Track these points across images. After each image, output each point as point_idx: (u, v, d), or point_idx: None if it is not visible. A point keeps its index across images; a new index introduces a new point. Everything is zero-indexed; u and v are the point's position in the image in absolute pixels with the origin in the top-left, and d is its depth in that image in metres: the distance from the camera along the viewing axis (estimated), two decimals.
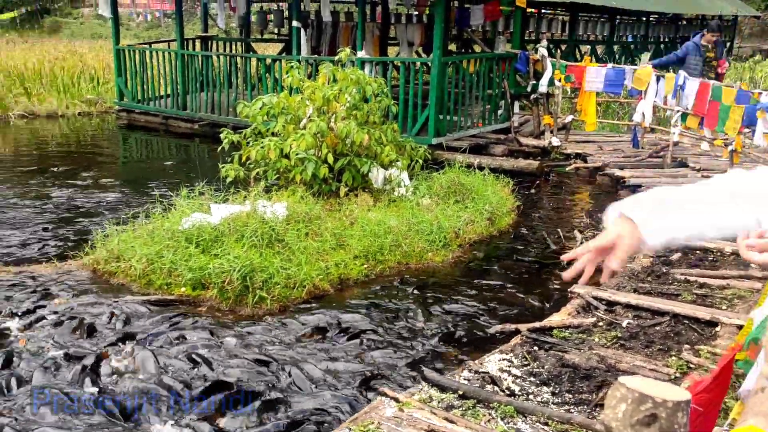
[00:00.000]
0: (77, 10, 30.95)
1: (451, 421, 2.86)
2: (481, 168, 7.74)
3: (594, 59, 12.95)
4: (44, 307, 4.35)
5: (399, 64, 9.67)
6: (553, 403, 3.13)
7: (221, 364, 3.64)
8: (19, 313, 4.22)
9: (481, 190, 6.84)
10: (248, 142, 6.75)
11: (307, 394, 3.40)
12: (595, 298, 4.37)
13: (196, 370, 3.57)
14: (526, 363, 3.53)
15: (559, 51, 13.25)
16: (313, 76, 8.71)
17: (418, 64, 9.44)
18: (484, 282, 5.17)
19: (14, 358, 3.66)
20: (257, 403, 3.25)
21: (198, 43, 13.57)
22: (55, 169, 8.86)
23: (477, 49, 12.27)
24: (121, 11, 13.36)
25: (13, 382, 3.41)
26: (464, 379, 3.33)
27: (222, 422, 3.13)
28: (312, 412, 3.22)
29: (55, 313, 4.25)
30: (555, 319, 4.15)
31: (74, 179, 8.22)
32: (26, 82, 13.85)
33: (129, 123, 12.55)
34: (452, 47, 13.77)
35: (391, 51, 14.28)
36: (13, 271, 4.94)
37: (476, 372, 3.41)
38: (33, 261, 5.30)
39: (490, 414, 2.96)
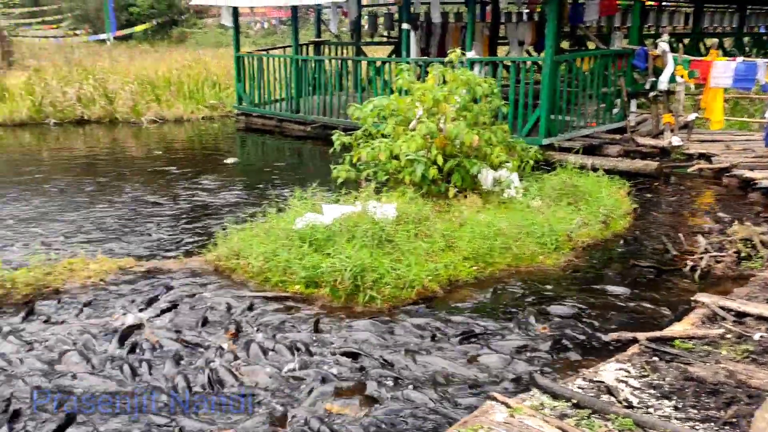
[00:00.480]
0: (202, 20, 32.83)
1: (565, 431, 2.78)
2: (594, 169, 7.46)
3: (722, 53, 12.12)
4: (170, 299, 4.65)
5: (509, 64, 9.51)
6: (675, 418, 2.96)
7: (325, 359, 3.75)
8: (145, 305, 4.54)
9: (595, 192, 6.60)
10: (359, 144, 6.89)
11: (416, 393, 3.42)
12: (723, 308, 4.09)
13: (297, 361, 3.70)
14: (644, 374, 3.37)
15: (681, 45, 12.53)
16: (422, 77, 8.75)
17: (529, 63, 9.24)
18: (598, 287, 4.98)
19: (140, 346, 3.95)
20: (360, 398, 3.34)
21: (311, 48, 14.01)
22: (180, 169, 9.46)
23: (591, 46, 11.85)
24: (241, 20, 14.04)
25: (144, 366, 3.68)
26: (578, 388, 3.23)
27: (335, 408, 3.24)
28: (420, 412, 3.24)
29: (176, 305, 4.53)
30: (677, 329, 3.92)
31: (198, 179, 8.73)
32: (157, 89, 14.87)
33: (247, 126, 13.17)
34: (565, 45, 13.36)
35: (501, 51, 14.07)
36: (146, 265, 5.32)
37: (591, 381, 3.30)
38: (162, 257, 5.68)
39: (606, 426, 2.85)
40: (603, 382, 3.26)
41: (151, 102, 14.43)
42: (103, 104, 13.92)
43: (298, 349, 3.87)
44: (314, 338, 4.05)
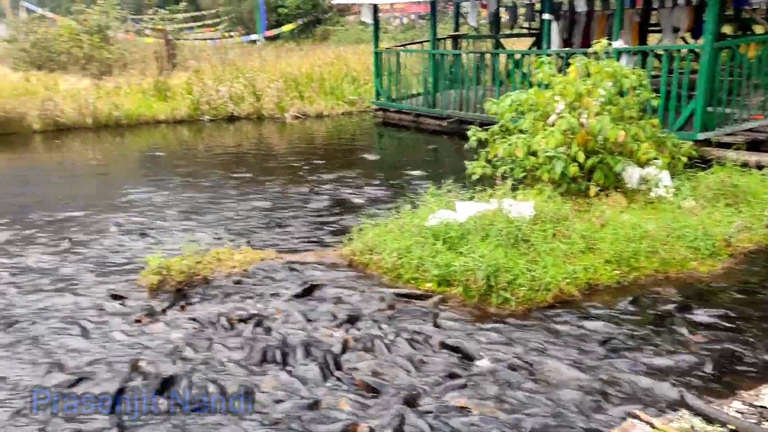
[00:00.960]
0: (344, 18, 33.83)
1: None
2: (760, 167, 6.76)
3: None
4: (305, 289, 4.80)
5: (661, 53, 8.85)
6: None
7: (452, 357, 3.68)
8: (286, 294, 4.72)
9: (759, 193, 5.97)
10: (495, 140, 6.73)
11: (547, 400, 3.26)
12: None
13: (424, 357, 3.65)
14: None
15: None
16: (564, 70, 8.37)
17: (684, 51, 8.52)
18: (762, 299, 4.50)
19: (273, 332, 4.11)
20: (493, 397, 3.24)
21: (449, 42, 13.93)
22: (319, 164, 9.79)
23: (759, 30, 10.74)
24: (381, 16, 14.24)
25: (278, 354, 3.83)
26: (735, 411, 2.92)
27: (462, 402, 3.18)
28: (551, 420, 3.08)
29: (308, 296, 4.67)
30: None
31: (336, 173, 8.98)
32: (300, 86, 15.52)
33: (384, 121, 13.37)
34: (726, 29, 12.23)
35: (652, 39, 13.15)
36: (285, 257, 5.54)
37: (751, 405, 2.97)
38: (300, 249, 5.89)
39: None
40: (765, 407, 2.92)
41: (294, 98, 15.09)
42: (251, 101, 14.76)
43: (420, 344, 3.84)
44: (441, 335, 4.00)
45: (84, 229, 6.70)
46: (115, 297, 4.87)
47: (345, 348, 3.88)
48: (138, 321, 4.42)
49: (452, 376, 3.54)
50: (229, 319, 4.38)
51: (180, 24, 26.96)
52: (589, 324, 4.15)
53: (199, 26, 31.38)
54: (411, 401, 3.29)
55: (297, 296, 4.74)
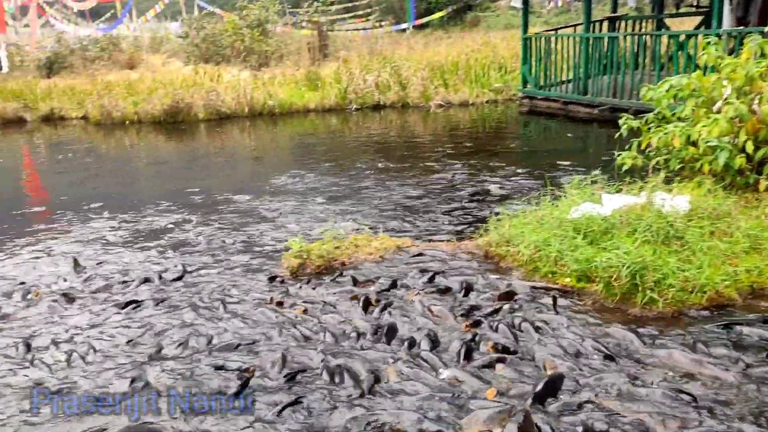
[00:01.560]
0: (494, 3, 33.25)
1: None
2: None
3: None
4: (434, 277, 4.76)
5: None
6: None
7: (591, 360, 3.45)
8: (419, 283, 4.71)
9: None
10: (649, 128, 6.24)
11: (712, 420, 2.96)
12: None
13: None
14: None
15: None
16: (735, 51, 7.58)
17: None
18: None
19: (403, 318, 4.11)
20: None
21: (605, 25, 13.18)
22: (463, 153, 9.69)
23: None
24: (533, 0, 13.76)
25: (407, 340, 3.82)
26: None
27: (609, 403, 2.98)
28: None
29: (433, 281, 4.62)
30: None
31: (479, 163, 8.85)
32: (445, 74, 15.47)
33: (530, 109, 12.96)
34: None
35: None
36: (421, 246, 5.54)
37: None
38: (437, 239, 5.86)
39: None
40: None
41: (439, 87, 15.07)
42: (396, 90, 14.95)
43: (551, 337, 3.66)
44: (582, 334, 3.78)
45: (237, 211, 7.15)
46: (272, 279, 5.10)
47: (474, 338, 3.80)
48: (279, 303, 4.62)
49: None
50: (363, 301, 4.44)
51: (334, 15, 27.92)
52: (751, 334, 3.72)
53: (352, 17, 32.31)
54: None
55: (429, 282, 4.72)
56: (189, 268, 5.41)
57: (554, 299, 4.29)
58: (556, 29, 14.30)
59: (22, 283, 5.23)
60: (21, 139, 14.07)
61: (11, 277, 5.41)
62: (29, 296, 4.95)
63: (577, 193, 5.51)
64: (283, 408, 3.20)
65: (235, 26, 20.47)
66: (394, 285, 4.73)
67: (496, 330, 3.90)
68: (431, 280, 4.76)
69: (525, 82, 13.18)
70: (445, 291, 4.56)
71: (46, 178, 10.36)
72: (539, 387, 3.18)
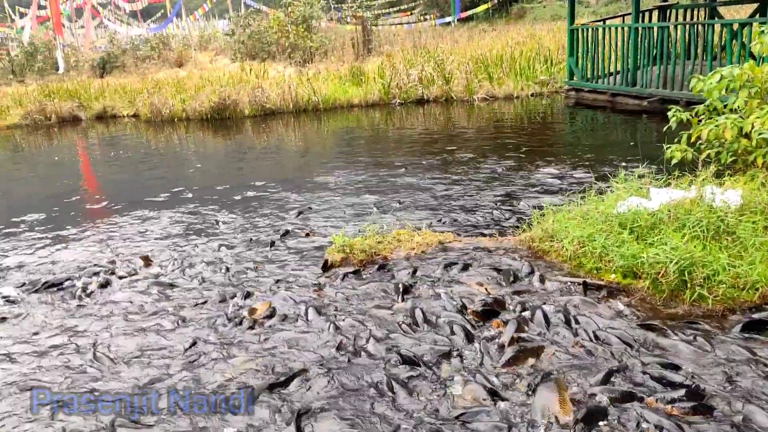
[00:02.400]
0: None
1: None
2: None
3: None
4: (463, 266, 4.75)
5: None
6: None
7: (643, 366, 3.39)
8: (457, 274, 4.70)
9: None
10: (700, 120, 6.07)
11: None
12: None
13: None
14: None
15: None
16: None
17: None
18: None
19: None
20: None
21: (655, 14, 12.84)
22: (507, 147, 9.60)
23: None
24: None
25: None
26: None
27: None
28: None
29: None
30: None
31: (525, 157, 8.75)
32: (489, 67, 15.32)
33: (576, 102, 12.74)
34: None
35: None
36: (463, 241, 5.53)
37: None
38: (480, 233, 5.84)
39: None
40: None
41: (483, 80, 14.93)
42: (440, 84, 14.88)
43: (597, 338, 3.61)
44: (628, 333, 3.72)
45: (281, 206, 7.26)
46: (325, 267, 5.18)
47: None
48: (318, 289, 4.69)
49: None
50: (399, 287, 4.46)
51: (378, 10, 27.95)
52: None
53: (396, 11, 32.28)
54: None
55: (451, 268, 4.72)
56: (237, 261, 5.54)
57: (584, 285, 4.25)
58: (603, 19, 13.99)
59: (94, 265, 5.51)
60: (76, 136, 14.57)
61: (80, 261, 5.64)
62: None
63: (624, 187, 5.41)
64: None
65: (280, 23, 20.70)
66: (435, 278, 4.74)
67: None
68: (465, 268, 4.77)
69: (571, 74, 12.95)
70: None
71: (100, 173, 10.71)
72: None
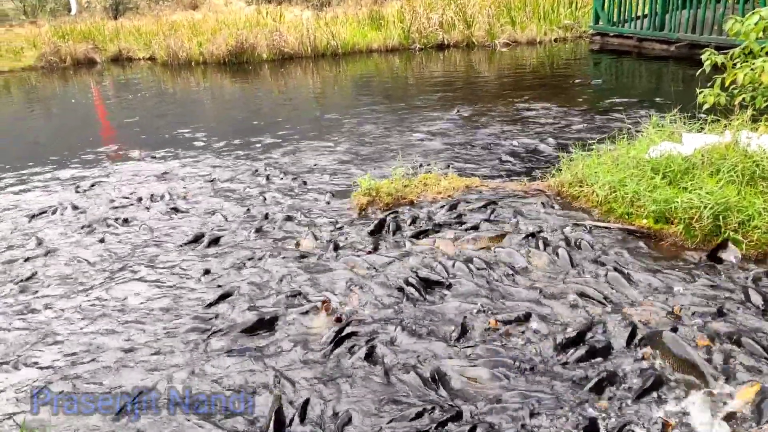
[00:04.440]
0: None
1: None
2: None
3: None
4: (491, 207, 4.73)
5: None
6: None
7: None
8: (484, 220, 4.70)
9: None
10: (735, 64, 5.89)
11: None
12: None
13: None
14: None
15: None
16: None
17: None
18: None
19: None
20: None
21: None
22: (532, 94, 9.43)
23: None
24: None
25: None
26: None
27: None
28: None
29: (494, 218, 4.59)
30: None
31: (547, 102, 8.61)
32: (512, 11, 14.93)
33: (601, 47, 12.44)
34: None
35: None
36: (490, 185, 5.49)
37: None
38: (507, 179, 5.80)
39: None
40: None
41: (505, 25, 14.58)
42: (461, 29, 14.55)
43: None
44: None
45: (303, 150, 7.23)
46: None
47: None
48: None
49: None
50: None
51: None
52: None
53: None
54: None
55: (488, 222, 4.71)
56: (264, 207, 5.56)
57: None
58: None
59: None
60: (91, 79, 14.47)
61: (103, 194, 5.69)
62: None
63: (656, 132, 5.31)
64: None
65: None
66: (461, 223, 4.73)
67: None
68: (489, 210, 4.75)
69: (597, 19, 12.60)
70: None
71: (115, 116, 10.68)
72: None
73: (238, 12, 19.00)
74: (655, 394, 2.75)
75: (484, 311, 3.49)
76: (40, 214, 5.73)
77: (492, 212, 4.85)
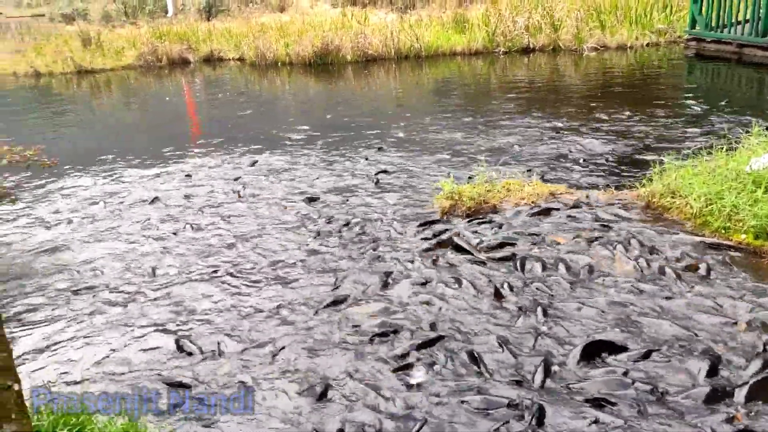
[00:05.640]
0: None
1: None
2: None
3: None
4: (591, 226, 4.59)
5: None
6: None
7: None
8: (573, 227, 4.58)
9: None
10: None
11: None
12: None
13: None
14: None
15: None
16: None
17: None
18: None
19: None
20: None
21: None
22: (623, 101, 9.13)
23: None
24: None
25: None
26: None
27: None
28: None
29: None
30: None
31: (637, 110, 8.31)
32: (602, 14, 14.49)
33: (697, 53, 11.90)
34: None
35: None
36: (576, 194, 5.36)
37: None
38: (593, 187, 5.64)
39: None
40: None
41: (594, 29, 14.17)
42: (548, 32, 14.26)
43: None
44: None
45: (385, 151, 7.28)
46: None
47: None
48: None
49: None
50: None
51: None
52: None
53: None
54: None
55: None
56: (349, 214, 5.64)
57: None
58: None
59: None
60: (184, 78, 15.10)
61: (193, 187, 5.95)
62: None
63: (758, 143, 5.03)
64: None
65: None
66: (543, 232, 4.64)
67: None
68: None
69: (693, 23, 12.06)
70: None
71: (205, 113, 11.09)
72: None
73: (323, 14, 19.34)
74: None
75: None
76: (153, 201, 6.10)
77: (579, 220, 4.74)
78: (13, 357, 2.15)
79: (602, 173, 6.09)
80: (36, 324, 4.00)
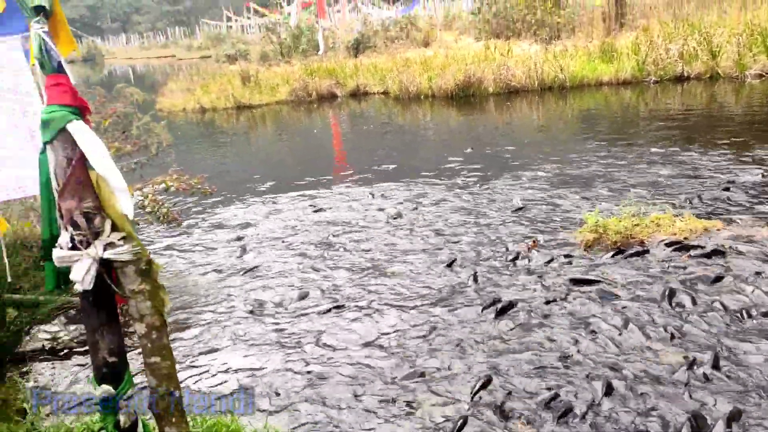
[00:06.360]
0: None
1: None
2: None
3: None
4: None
5: None
6: None
7: None
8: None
9: None
10: None
11: None
12: None
13: None
14: None
15: None
16: None
17: None
18: None
19: None
20: None
21: None
22: None
23: None
24: None
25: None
26: None
27: None
28: None
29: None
30: None
31: None
32: (767, 39, 13.42)
33: None
34: None
35: None
36: (734, 229, 4.98)
37: None
38: (745, 222, 5.22)
39: None
40: None
41: (759, 54, 13.14)
42: (705, 59, 13.43)
43: None
44: None
45: (524, 185, 7.20)
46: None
47: None
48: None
49: None
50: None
51: None
52: None
53: None
54: None
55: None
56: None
57: None
58: None
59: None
60: (331, 112, 15.90)
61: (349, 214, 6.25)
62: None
63: None
64: None
65: (526, 0, 20.32)
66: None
67: None
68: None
69: None
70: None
71: (350, 144, 11.59)
72: None
73: (467, 48, 19.57)
74: None
75: None
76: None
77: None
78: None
79: (754, 209, 5.59)
80: (213, 341, 4.37)
